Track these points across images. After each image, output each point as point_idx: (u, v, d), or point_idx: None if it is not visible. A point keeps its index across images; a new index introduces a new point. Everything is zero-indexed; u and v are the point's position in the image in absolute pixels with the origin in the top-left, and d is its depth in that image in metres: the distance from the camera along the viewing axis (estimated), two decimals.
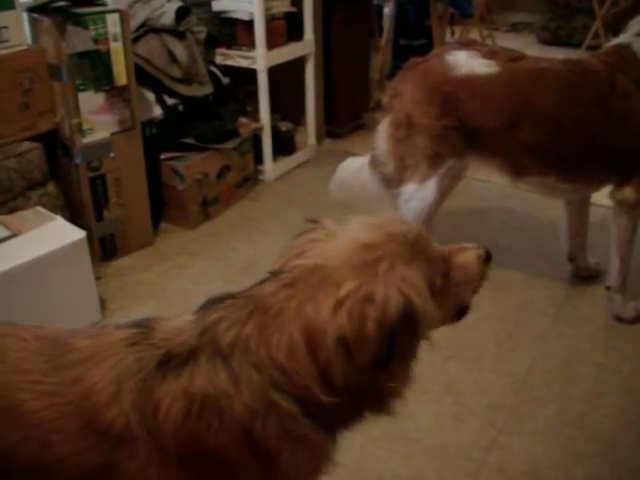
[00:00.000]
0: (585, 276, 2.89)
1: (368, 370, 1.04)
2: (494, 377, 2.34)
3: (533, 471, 1.99)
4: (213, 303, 1.12)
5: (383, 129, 2.64)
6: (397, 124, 2.56)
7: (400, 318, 1.02)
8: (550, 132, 2.43)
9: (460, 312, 1.29)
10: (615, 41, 2.52)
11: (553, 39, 6.97)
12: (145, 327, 1.12)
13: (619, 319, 2.61)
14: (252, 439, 1.04)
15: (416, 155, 2.52)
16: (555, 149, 2.45)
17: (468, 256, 1.25)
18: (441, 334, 2.45)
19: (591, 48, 6.28)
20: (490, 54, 2.50)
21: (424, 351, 2.37)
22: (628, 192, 2.45)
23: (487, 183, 3.69)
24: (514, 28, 7.92)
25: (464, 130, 2.46)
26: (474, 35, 6.95)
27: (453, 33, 7.37)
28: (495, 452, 2.04)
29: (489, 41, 6.93)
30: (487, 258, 1.27)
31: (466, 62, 2.47)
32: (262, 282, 1.12)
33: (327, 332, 1.02)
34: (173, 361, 1.05)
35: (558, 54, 6.59)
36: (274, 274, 1.13)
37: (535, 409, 2.21)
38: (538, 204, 3.39)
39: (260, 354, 1.04)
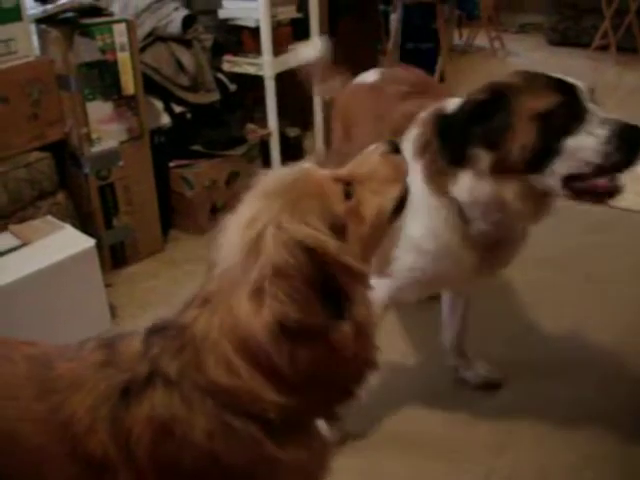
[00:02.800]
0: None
1: (322, 340, 0.99)
2: (504, 379, 2.33)
3: (543, 474, 1.99)
4: (156, 330, 1.11)
5: None
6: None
7: (313, 266, 0.98)
8: None
9: (400, 205, 1.19)
10: None
11: (562, 40, 6.96)
12: (114, 348, 1.12)
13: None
14: (220, 463, 1.04)
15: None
16: None
17: (371, 161, 1.19)
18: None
19: (600, 48, 6.28)
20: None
21: (431, 357, 2.36)
22: None
23: None
24: (522, 29, 7.91)
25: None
26: (482, 37, 6.96)
27: (461, 35, 7.39)
28: (504, 456, 2.04)
29: (497, 43, 6.94)
30: (394, 149, 1.22)
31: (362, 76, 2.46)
32: (187, 305, 1.10)
33: (257, 330, 0.97)
34: (134, 388, 1.05)
35: (567, 55, 6.61)
36: (197, 294, 1.10)
37: (544, 413, 2.20)
38: None
39: (203, 381, 1.03)
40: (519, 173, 1.60)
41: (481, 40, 7.03)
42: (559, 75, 1.62)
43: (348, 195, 1.10)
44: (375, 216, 1.12)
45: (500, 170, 1.60)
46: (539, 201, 1.66)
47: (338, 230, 1.05)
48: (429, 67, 5.22)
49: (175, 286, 2.93)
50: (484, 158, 1.61)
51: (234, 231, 1.05)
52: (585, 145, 1.52)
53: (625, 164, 1.53)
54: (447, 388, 2.31)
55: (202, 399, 1.02)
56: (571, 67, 6.17)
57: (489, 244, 1.78)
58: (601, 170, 1.54)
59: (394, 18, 5.56)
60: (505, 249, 1.84)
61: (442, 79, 4.95)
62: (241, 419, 1.02)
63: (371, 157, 1.21)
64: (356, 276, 1.04)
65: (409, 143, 1.82)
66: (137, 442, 1.03)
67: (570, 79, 1.60)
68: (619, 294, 2.78)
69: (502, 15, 7.67)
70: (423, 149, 1.78)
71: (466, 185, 1.67)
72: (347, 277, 1.02)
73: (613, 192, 1.59)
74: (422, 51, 5.82)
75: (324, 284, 0.98)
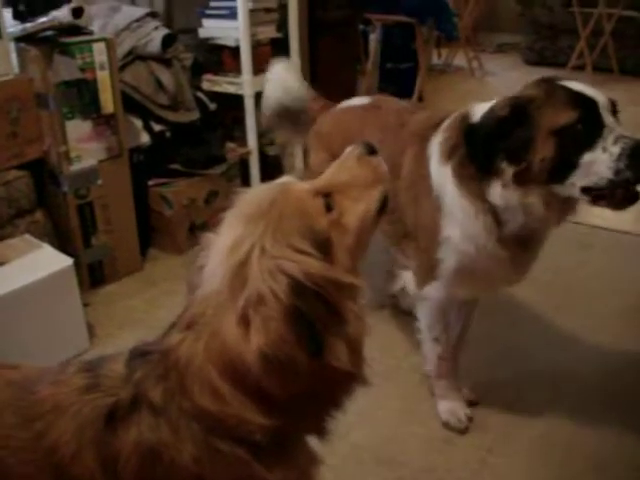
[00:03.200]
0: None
1: (307, 366, 0.97)
2: (482, 399, 2.34)
3: None
4: (139, 354, 1.10)
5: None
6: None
7: (297, 296, 0.96)
8: None
9: (379, 212, 1.18)
10: None
11: (539, 59, 7.05)
12: (97, 372, 1.11)
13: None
14: None
15: None
16: None
17: (348, 166, 1.19)
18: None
19: (576, 68, 6.38)
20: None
21: (411, 373, 2.37)
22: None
23: None
24: (500, 49, 8.01)
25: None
26: (461, 57, 7.03)
27: (440, 55, 7.46)
28: (484, 474, 2.04)
29: (475, 63, 7.02)
30: (369, 151, 1.21)
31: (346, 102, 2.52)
32: (171, 327, 1.10)
33: (244, 356, 0.97)
34: (119, 413, 1.05)
35: (544, 74, 6.69)
36: (179, 317, 1.10)
37: (523, 429, 2.21)
38: None
39: (189, 406, 1.02)
40: (541, 183, 1.71)
41: (460, 60, 7.11)
42: (580, 86, 1.68)
43: (329, 207, 1.09)
44: (359, 223, 1.12)
45: (523, 181, 1.72)
46: (562, 206, 1.78)
47: (323, 245, 1.04)
48: (408, 87, 5.27)
49: (154, 305, 2.92)
50: (508, 170, 1.72)
51: (217, 255, 1.04)
52: (599, 160, 1.63)
53: (635, 181, 1.64)
54: (425, 406, 2.31)
55: (188, 424, 1.02)
56: None
57: (520, 245, 1.88)
58: (613, 184, 1.64)
59: (373, 38, 5.61)
60: (533, 249, 1.95)
61: (421, 98, 4.99)
62: (228, 442, 1.02)
63: (347, 162, 1.20)
64: (346, 290, 1.04)
65: (435, 147, 1.93)
66: (125, 467, 1.02)
67: (591, 91, 1.67)
68: (603, 309, 2.81)
69: (480, 35, 7.76)
70: (451, 152, 1.88)
71: (497, 192, 1.77)
72: (337, 294, 1.01)
73: (631, 199, 1.69)
74: (401, 71, 5.87)
75: (306, 316, 0.96)
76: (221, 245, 1.05)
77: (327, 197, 1.10)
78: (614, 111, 1.69)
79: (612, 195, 1.68)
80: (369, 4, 5.28)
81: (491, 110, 1.77)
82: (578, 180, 1.67)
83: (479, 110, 1.84)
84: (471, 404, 2.29)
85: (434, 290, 2.07)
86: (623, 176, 1.63)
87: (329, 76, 4.39)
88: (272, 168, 4.01)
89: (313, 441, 1.17)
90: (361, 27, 5.42)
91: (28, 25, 2.76)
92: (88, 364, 1.15)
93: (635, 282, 3.05)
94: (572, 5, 6.30)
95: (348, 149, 1.23)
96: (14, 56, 2.82)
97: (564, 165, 1.67)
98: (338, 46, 4.44)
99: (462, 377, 2.31)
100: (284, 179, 1.16)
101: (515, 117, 1.69)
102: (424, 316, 2.18)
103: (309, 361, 0.97)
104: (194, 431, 1.02)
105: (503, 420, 2.25)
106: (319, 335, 0.97)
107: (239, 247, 1.01)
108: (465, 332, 2.32)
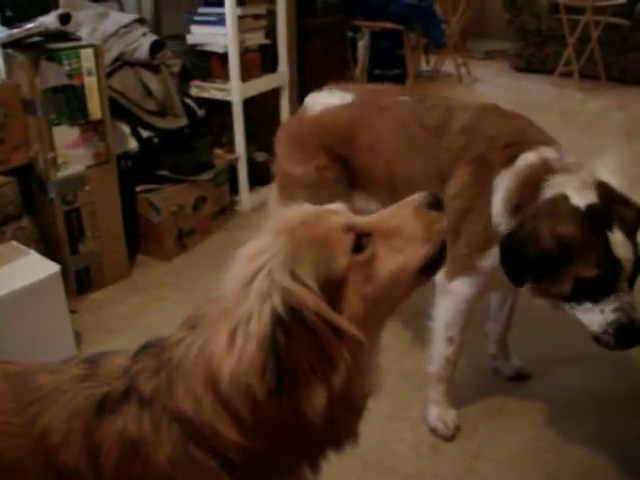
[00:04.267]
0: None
1: (264, 401, 0.93)
2: (470, 404, 2.34)
3: None
4: (148, 347, 1.11)
5: (272, 198, 2.54)
6: (281, 187, 2.45)
7: (276, 325, 0.91)
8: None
9: (427, 268, 1.08)
10: None
11: (526, 66, 7.09)
12: (95, 363, 1.12)
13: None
14: None
15: None
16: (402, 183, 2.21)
17: (402, 213, 1.09)
18: (416, 362, 2.47)
19: (564, 75, 6.42)
20: (350, 89, 2.42)
21: (399, 380, 2.38)
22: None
23: None
24: (488, 56, 8.05)
25: (339, 165, 2.32)
26: (449, 64, 7.06)
27: (428, 62, 7.49)
28: (471, 479, 2.04)
29: (464, 69, 7.05)
30: (433, 203, 1.10)
31: (321, 99, 2.41)
32: (182, 324, 1.10)
33: (223, 372, 0.95)
34: (110, 403, 1.05)
35: (531, 81, 6.75)
36: (191, 315, 1.10)
37: (511, 436, 2.21)
38: None
39: (172, 406, 1.02)
40: (549, 298, 1.88)
41: (448, 66, 7.14)
42: (620, 240, 1.73)
43: (360, 248, 1.01)
44: (389, 275, 1.03)
45: (538, 293, 1.87)
46: None
47: (332, 286, 0.98)
48: None
49: (141, 312, 2.91)
50: (529, 283, 1.86)
51: (240, 260, 1.02)
52: (594, 317, 1.77)
53: (612, 349, 1.79)
54: (413, 412, 2.31)
55: (169, 424, 1.02)
56: (535, 93, 6.29)
57: None
58: (597, 339, 1.81)
59: (362, 45, 5.63)
60: None
61: None
62: (203, 452, 1.01)
63: (404, 209, 1.10)
64: (347, 340, 0.97)
65: (503, 191, 1.93)
66: (106, 457, 1.03)
67: (624, 252, 1.73)
68: None
69: (468, 42, 7.80)
70: (513, 212, 1.91)
71: None
72: (334, 339, 0.95)
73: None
74: (389, 77, 5.90)
75: (277, 350, 0.91)
76: (246, 251, 1.02)
77: (365, 237, 1.03)
78: (636, 270, 1.77)
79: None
80: (357, 11, 5.30)
81: (535, 234, 1.77)
82: (578, 314, 1.81)
83: (560, 182, 1.83)
84: (522, 377, 2.46)
85: (465, 285, 2.07)
86: (606, 339, 1.77)
87: (317, 83, 4.38)
88: (261, 174, 4.01)
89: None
90: (349, 34, 5.43)
91: (15, 31, 2.75)
92: (91, 356, 1.15)
93: None
94: (559, 12, 6.34)
95: (414, 195, 1.12)
96: (1, 62, 2.82)
97: (572, 300, 1.80)
98: (326, 53, 4.46)
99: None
100: (336, 205, 1.10)
101: (557, 256, 1.74)
102: (445, 311, 2.14)
103: (266, 396, 0.93)
104: (174, 433, 1.01)
105: (490, 426, 2.25)
106: (284, 373, 0.92)
107: (256, 259, 0.99)
108: (512, 312, 2.42)
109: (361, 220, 1.07)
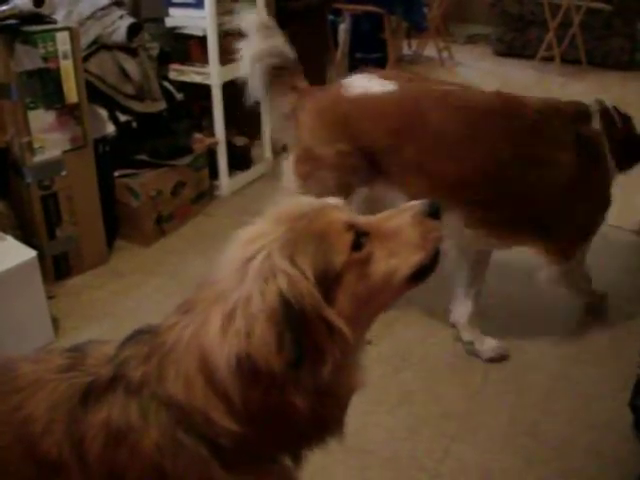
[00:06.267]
0: None
1: (281, 378, 0.94)
2: (448, 387, 2.36)
3: (487, 479, 2.01)
4: (136, 335, 1.10)
5: (288, 168, 2.45)
6: (298, 162, 2.38)
7: (285, 304, 0.93)
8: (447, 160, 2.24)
9: (418, 274, 1.10)
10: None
11: (508, 51, 7.08)
12: (81, 352, 1.11)
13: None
14: (166, 478, 1.02)
15: (323, 190, 2.12)
16: (453, 180, 2.22)
17: (402, 218, 1.10)
18: (394, 345, 2.48)
19: (545, 59, 6.42)
20: (391, 76, 2.39)
21: (377, 363, 2.39)
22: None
23: None
24: (470, 40, 8.02)
25: (363, 154, 2.27)
26: (431, 48, 7.04)
27: (410, 46, 7.47)
28: (448, 461, 2.06)
29: (445, 53, 7.03)
30: (433, 211, 1.12)
31: (361, 83, 2.34)
32: (175, 309, 1.09)
33: (218, 355, 0.95)
34: (95, 392, 1.04)
35: (513, 65, 6.74)
36: (185, 299, 1.09)
37: (488, 418, 2.23)
38: None
39: (162, 393, 1.01)
40: None
41: (430, 50, 7.12)
42: None
43: (358, 246, 1.02)
44: (382, 277, 1.05)
45: None
46: None
47: (328, 280, 0.99)
48: None
49: (120, 297, 2.90)
50: None
51: (237, 244, 1.03)
52: None
53: None
54: (392, 396, 2.32)
55: (157, 410, 1.01)
56: (517, 77, 6.29)
57: None
58: None
59: (343, 28, 5.60)
60: None
61: None
62: (192, 438, 1.00)
63: (403, 214, 1.11)
64: (336, 336, 0.98)
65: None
66: (90, 446, 1.02)
67: None
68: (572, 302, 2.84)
69: (450, 26, 7.77)
70: None
71: None
72: (324, 333, 0.96)
73: None
74: (371, 61, 5.88)
75: (289, 326, 0.93)
76: (243, 235, 1.03)
77: (363, 235, 1.04)
78: None
79: None
80: None
81: None
82: None
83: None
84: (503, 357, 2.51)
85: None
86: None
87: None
88: (240, 159, 3.99)
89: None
90: (330, 17, 5.40)
91: None
92: (76, 346, 1.15)
93: (598, 272, 3.08)
94: None
95: (413, 202, 1.14)
96: None
97: None
98: (307, 36, 4.41)
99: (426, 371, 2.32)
100: (334, 200, 1.10)
101: None
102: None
103: (285, 372, 0.93)
104: (162, 419, 1.01)
105: (467, 409, 2.27)
106: (302, 344, 0.93)
107: (253, 243, 0.99)
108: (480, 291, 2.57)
109: (360, 219, 1.08)
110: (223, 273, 1.01)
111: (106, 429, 1.02)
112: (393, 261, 1.06)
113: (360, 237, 1.03)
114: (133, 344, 1.08)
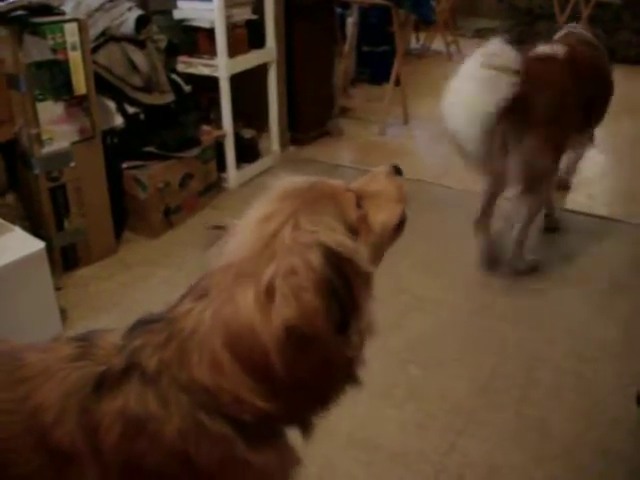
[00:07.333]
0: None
1: (329, 344, 0.98)
2: (455, 382, 2.36)
3: (493, 475, 2.01)
4: (142, 324, 1.10)
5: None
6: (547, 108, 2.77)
7: (330, 269, 0.97)
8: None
9: (397, 228, 1.24)
10: None
11: (517, 45, 7.05)
12: (89, 341, 1.10)
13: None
14: (189, 463, 1.01)
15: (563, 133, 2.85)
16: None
17: (377, 179, 1.27)
18: (402, 340, 2.49)
19: None
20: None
21: (385, 358, 2.39)
22: None
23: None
24: (478, 34, 7.99)
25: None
26: (439, 41, 7.02)
27: (418, 39, 7.44)
28: (454, 456, 2.06)
29: (453, 47, 7.01)
30: (396, 171, 1.30)
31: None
32: (182, 298, 1.09)
33: (261, 330, 0.95)
34: (108, 381, 1.03)
35: None
36: (192, 288, 1.09)
37: (495, 413, 2.23)
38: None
39: (183, 378, 1.01)
40: None
41: (438, 44, 7.10)
42: None
43: (359, 205, 1.14)
44: (380, 228, 1.17)
45: None
46: None
47: (353, 234, 1.07)
48: (385, 70, 5.25)
49: (128, 288, 2.91)
50: None
51: (247, 226, 1.04)
52: None
53: None
54: (400, 390, 2.32)
55: (177, 396, 1.00)
56: None
57: None
58: None
59: (351, 21, 5.58)
60: None
61: (398, 82, 4.97)
62: (216, 419, 1.00)
63: (378, 177, 1.27)
64: (367, 281, 1.06)
65: None
66: (105, 435, 1.01)
67: None
68: (575, 294, 2.84)
69: (458, 20, 7.75)
70: None
71: None
72: (358, 282, 1.03)
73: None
74: (378, 54, 5.86)
75: (337, 290, 0.97)
76: (252, 217, 1.05)
77: (357, 198, 1.15)
78: None
79: None
80: None
81: None
82: None
83: None
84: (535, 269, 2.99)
85: None
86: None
87: (306, 59, 4.37)
88: (248, 151, 3.99)
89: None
90: (338, 10, 5.38)
91: None
92: (81, 335, 1.14)
93: (607, 266, 3.08)
94: None
95: (378, 168, 1.30)
96: None
97: None
98: (315, 28, 4.42)
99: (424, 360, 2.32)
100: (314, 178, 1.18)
101: None
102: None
103: (333, 337, 0.97)
104: (182, 404, 1.00)
105: (474, 404, 2.27)
106: (347, 309, 0.99)
107: (271, 220, 1.02)
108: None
109: (351, 185, 1.20)
110: (237, 256, 1.01)
111: (122, 418, 1.01)
112: (383, 214, 1.19)
113: (358, 198, 1.15)
114: (142, 333, 1.07)
